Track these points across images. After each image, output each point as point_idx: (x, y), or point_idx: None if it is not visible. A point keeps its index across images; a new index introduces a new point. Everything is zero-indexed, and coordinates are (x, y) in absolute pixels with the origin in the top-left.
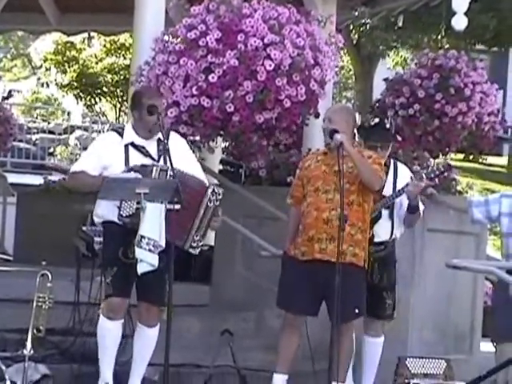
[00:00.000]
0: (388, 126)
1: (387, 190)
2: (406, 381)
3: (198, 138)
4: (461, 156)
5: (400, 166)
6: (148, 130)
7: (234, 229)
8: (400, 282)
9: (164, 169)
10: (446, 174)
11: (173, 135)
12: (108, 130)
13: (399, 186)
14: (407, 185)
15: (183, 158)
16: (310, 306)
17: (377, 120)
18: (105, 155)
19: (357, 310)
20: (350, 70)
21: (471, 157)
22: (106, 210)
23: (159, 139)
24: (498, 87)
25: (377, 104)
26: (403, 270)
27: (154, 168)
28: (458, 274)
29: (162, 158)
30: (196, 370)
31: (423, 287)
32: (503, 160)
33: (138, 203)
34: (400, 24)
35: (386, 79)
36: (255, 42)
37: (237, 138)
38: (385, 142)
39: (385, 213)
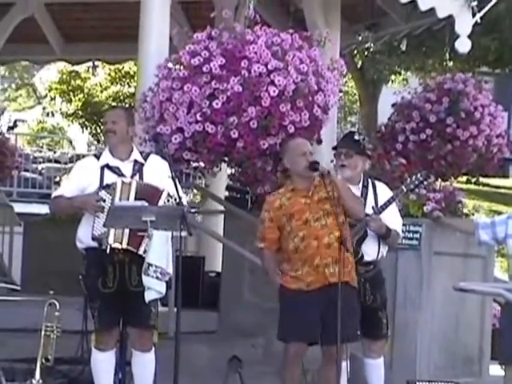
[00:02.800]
0: (356, 137)
1: (369, 209)
2: None
3: (202, 164)
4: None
5: (378, 183)
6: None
7: (241, 255)
8: (408, 306)
9: (127, 182)
10: (425, 182)
11: (152, 157)
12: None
13: (381, 203)
14: (392, 198)
15: (157, 177)
16: (315, 334)
17: (348, 131)
18: (82, 178)
19: (358, 332)
20: (355, 94)
21: (474, 180)
22: (85, 233)
23: (135, 160)
24: (503, 108)
25: (384, 129)
26: (410, 293)
27: (118, 182)
28: (465, 296)
29: (134, 177)
30: None
31: (431, 310)
32: (510, 182)
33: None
34: (403, 48)
35: (394, 104)
36: (259, 68)
37: (241, 164)
38: (350, 150)
39: (370, 232)
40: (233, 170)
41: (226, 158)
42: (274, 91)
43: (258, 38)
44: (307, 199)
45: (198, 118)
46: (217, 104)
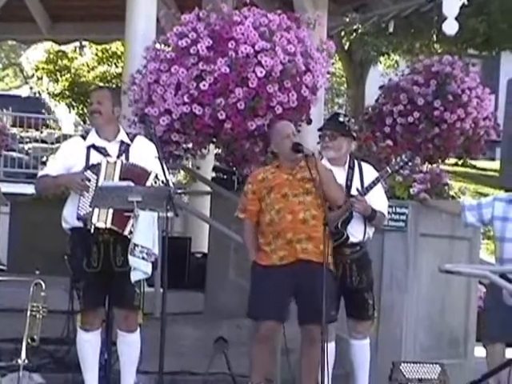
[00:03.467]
0: (341, 119)
1: (355, 190)
2: None
3: (190, 145)
4: (453, 161)
5: (364, 164)
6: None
7: (228, 236)
8: (393, 287)
9: (112, 161)
10: (410, 163)
11: (139, 138)
12: None
13: (366, 184)
14: (377, 179)
15: (144, 157)
16: (284, 312)
17: (333, 113)
18: (68, 158)
19: (333, 313)
20: (342, 76)
21: (461, 162)
22: (71, 213)
23: (121, 141)
24: (490, 91)
25: (372, 111)
26: (396, 274)
27: (103, 162)
28: (451, 278)
29: (120, 158)
30: (191, 377)
31: (417, 292)
32: (496, 164)
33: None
34: (391, 30)
35: (381, 87)
36: (246, 49)
37: (229, 146)
38: (334, 131)
39: (356, 213)
40: (220, 151)
41: (215, 140)
42: (261, 72)
43: (245, 19)
44: (290, 176)
45: (186, 100)
46: (204, 85)
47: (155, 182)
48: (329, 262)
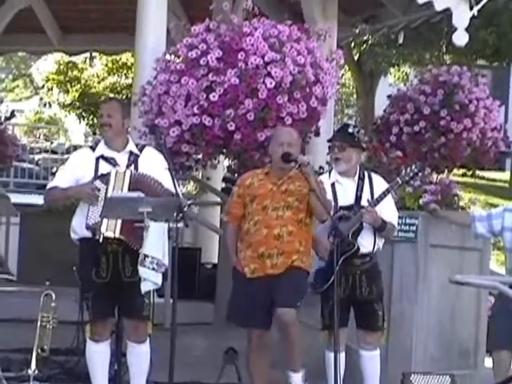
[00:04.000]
0: (351, 130)
1: (365, 201)
2: None
3: (200, 156)
4: (465, 171)
5: (374, 175)
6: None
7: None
8: (403, 298)
9: (121, 171)
10: (419, 174)
11: (147, 149)
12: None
13: (376, 195)
14: (387, 190)
15: (152, 168)
16: (262, 320)
17: (342, 124)
18: (77, 169)
19: (298, 304)
20: (352, 86)
21: (470, 173)
22: (80, 224)
23: (130, 151)
24: (500, 103)
25: (380, 121)
26: (406, 285)
27: (112, 172)
28: (461, 289)
29: (129, 168)
30: None
31: (427, 303)
32: (506, 175)
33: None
34: (401, 41)
35: (389, 96)
36: (256, 60)
37: (239, 156)
38: (343, 143)
39: (366, 224)
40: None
41: (225, 150)
42: (271, 83)
43: (255, 30)
44: (274, 186)
45: (196, 111)
46: (214, 97)
47: (163, 193)
48: (300, 265)
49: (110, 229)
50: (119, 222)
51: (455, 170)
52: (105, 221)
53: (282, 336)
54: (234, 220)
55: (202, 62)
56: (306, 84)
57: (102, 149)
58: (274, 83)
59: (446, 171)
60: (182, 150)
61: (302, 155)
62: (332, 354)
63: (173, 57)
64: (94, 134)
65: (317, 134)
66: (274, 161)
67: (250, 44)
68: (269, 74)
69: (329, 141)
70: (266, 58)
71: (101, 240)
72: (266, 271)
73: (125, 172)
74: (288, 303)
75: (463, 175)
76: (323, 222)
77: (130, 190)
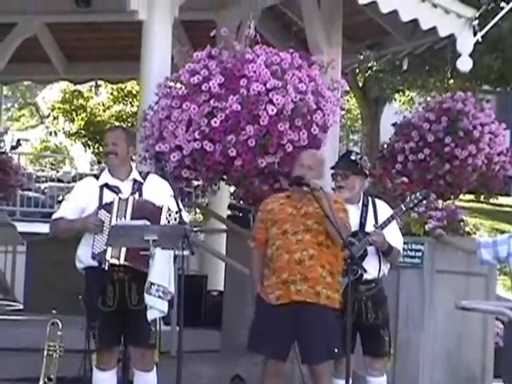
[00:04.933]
0: (353, 157)
1: (369, 227)
2: None
3: (200, 182)
4: (471, 197)
5: (378, 202)
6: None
7: (244, 274)
8: (410, 324)
9: (124, 199)
10: (424, 201)
11: (151, 176)
12: None
13: (381, 221)
14: (391, 216)
15: (157, 195)
16: (285, 350)
17: (345, 151)
18: (81, 199)
19: (330, 351)
20: (357, 112)
21: (482, 197)
22: (85, 253)
23: (134, 179)
24: (505, 127)
25: (385, 148)
26: (412, 311)
27: (115, 199)
28: (467, 314)
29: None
30: None
31: (433, 328)
32: None
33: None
34: (405, 67)
35: (394, 124)
36: (257, 86)
37: (239, 183)
38: (346, 171)
39: (371, 249)
40: (234, 189)
41: (225, 176)
42: (273, 110)
43: (257, 57)
44: (294, 210)
45: (197, 136)
46: (215, 122)
47: (169, 215)
48: (327, 304)
49: (115, 256)
50: (124, 248)
51: (462, 196)
52: (109, 248)
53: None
54: (259, 246)
55: (203, 87)
56: (308, 112)
57: (105, 177)
58: (275, 110)
59: (452, 198)
60: (183, 176)
61: (317, 180)
62: (339, 382)
63: (175, 82)
64: (99, 162)
65: None
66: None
67: (252, 71)
68: (270, 101)
69: (332, 168)
70: (267, 85)
71: (107, 268)
72: (291, 297)
73: (127, 199)
74: (320, 359)
75: (470, 200)
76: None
77: (133, 217)
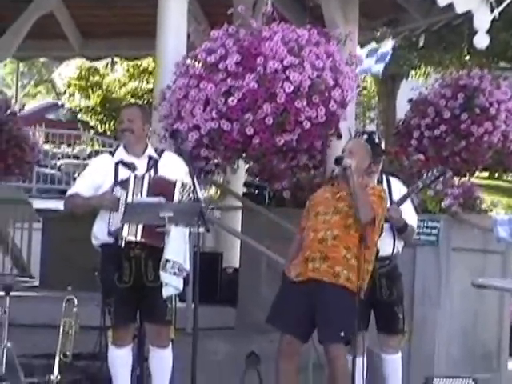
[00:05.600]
0: (377, 140)
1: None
2: None
3: (219, 160)
4: (485, 174)
5: (392, 179)
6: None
7: (259, 251)
8: (426, 301)
9: (139, 175)
10: (441, 178)
11: (167, 154)
12: None
13: (395, 199)
14: (408, 193)
15: (172, 172)
16: (302, 329)
17: (366, 136)
18: (97, 176)
19: (342, 334)
20: (373, 89)
21: (496, 175)
22: (101, 230)
23: (149, 156)
24: None
25: (401, 125)
26: (429, 289)
27: (131, 176)
28: (483, 292)
29: (148, 172)
30: None
31: (449, 306)
32: None
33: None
34: (422, 44)
35: (410, 100)
36: (274, 64)
37: (258, 161)
38: (376, 157)
39: (386, 226)
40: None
41: (244, 155)
42: (289, 87)
43: (274, 35)
44: (331, 194)
45: (214, 116)
46: (232, 101)
47: (183, 190)
48: (347, 285)
49: (132, 233)
50: (140, 226)
51: (479, 173)
52: (126, 225)
53: (328, 367)
54: (299, 232)
55: (220, 66)
56: (325, 88)
57: (121, 154)
58: (292, 88)
59: (468, 175)
60: (201, 155)
61: (357, 164)
62: (351, 358)
63: (192, 61)
64: (116, 139)
65: (339, 136)
66: None
67: (269, 48)
68: (287, 79)
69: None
70: (284, 63)
71: (123, 245)
72: (308, 274)
73: (143, 176)
74: (331, 339)
75: (487, 178)
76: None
77: (148, 193)
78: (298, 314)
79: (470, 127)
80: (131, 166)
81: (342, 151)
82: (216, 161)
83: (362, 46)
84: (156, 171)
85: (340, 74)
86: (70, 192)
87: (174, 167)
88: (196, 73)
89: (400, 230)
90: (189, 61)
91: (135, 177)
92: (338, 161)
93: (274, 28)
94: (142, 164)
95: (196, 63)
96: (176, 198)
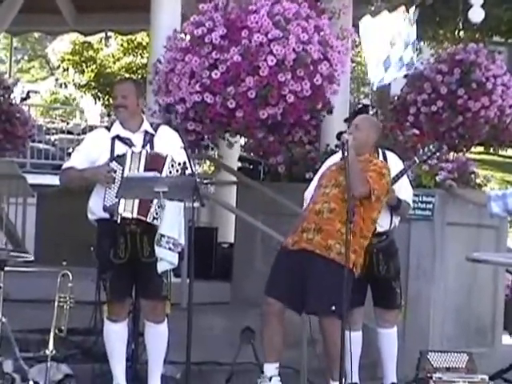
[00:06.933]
0: (371, 112)
1: None
2: (429, 375)
3: (205, 134)
4: (480, 149)
5: (388, 153)
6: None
7: (254, 226)
8: (420, 277)
9: (137, 152)
10: (437, 154)
11: (162, 128)
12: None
13: (392, 173)
14: (404, 169)
15: (168, 147)
16: (291, 297)
17: (360, 106)
18: (92, 150)
19: (333, 308)
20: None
21: (491, 149)
22: (97, 204)
23: (146, 131)
24: None
25: (397, 100)
26: (423, 264)
27: (128, 152)
28: (478, 267)
29: (145, 148)
30: (218, 367)
31: (444, 281)
32: None
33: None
34: (415, 18)
35: (406, 75)
36: (259, 37)
37: (242, 134)
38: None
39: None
40: (245, 141)
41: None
42: (273, 61)
43: (261, 8)
44: (337, 168)
45: (198, 89)
46: (216, 74)
47: (172, 166)
48: (336, 259)
49: (128, 209)
50: (136, 202)
51: (473, 148)
52: (122, 201)
53: (323, 341)
54: (306, 208)
55: (206, 39)
56: (311, 62)
57: (117, 129)
58: (275, 61)
59: (464, 150)
60: (189, 128)
61: (364, 140)
62: (347, 333)
63: (180, 34)
64: (109, 115)
65: (329, 111)
66: None
67: (255, 22)
68: (271, 52)
69: (345, 120)
70: (269, 36)
71: (119, 221)
72: (301, 245)
73: (140, 152)
74: (324, 311)
75: (481, 153)
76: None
77: (145, 169)
78: (288, 282)
79: (467, 102)
80: (128, 142)
81: (348, 126)
82: (206, 135)
83: (357, 19)
84: (152, 146)
85: (329, 47)
86: (65, 165)
87: (169, 142)
88: (183, 46)
89: (394, 207)
90: (180, 35)
91: (132, 153)
92: (339, 135)
93: (261, 1)
94: (138, 139)
95: (184, 36)
96: (164, 173)
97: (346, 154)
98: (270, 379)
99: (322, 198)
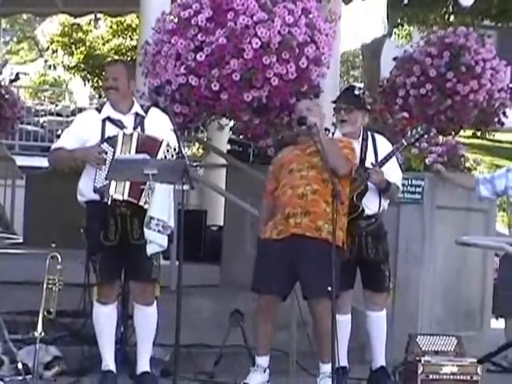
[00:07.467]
0: (357, 92)
1: (369, 163)
2: (417, 358)
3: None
4: (469, 132)
5: (377, 136)
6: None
7: (243, 209)
8: (409, 259)
9: (128, 134)
10: (425, 136)
11: (153, 110)
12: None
13: (381, 156)
14: (392, 152)
15: (159, 129)
16: (285, 287)
17: (347, 85)
18: (83, 131)
19: (329, 288)
20: (358, 48)
21: (479, 133)
22: (87, 186)
23: (136, 113)
24: (506, 63)
25: (386, 83)
26: (412, 247)
27: (119, 134)
28: (467, 250)
29: (136, 130)
30: (207, 350)
31: (433, 264)
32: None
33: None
34: (406, 1)
35: (395, 58)
36: (244, 20)
37: (227, 117)
38: (349, 105)
39: (371, 185)
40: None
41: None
42: (257, 43)
43: None
44: (300, 151)
45: (183, 71)
46: (201, 56)
47: (167, 151)
48: (329, 239)
49: (119, 191)
50: (127, 184)
51: (462, 132)
52: (113, 183)
53: (313, 324)
54: (267, 195)
55: (193, 21)
56: (297, 45)
57: (107, 110)
58: (260, 43)
59: (453, 133)
60: (175, 110)
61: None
62: (338, 317)
63: (168, 16)
64: (100, 96)
65: (316, 95)
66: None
67: (241, 4)
68: (255, 35)
69: (334, 102)
70: (254, 18)
71: (109, 202)
72: (290, 230)
73: (132, 134)
74: (316, 294)
75: (470, 136)
76: (361, 174)
77: (137, 151)
78: (280, 273)
79: (456, 86)
80: (119, 124)
81: (298, 111)
82: (194, 117)
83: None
84: (143, 128)
85: (317, 30)
86: (54, 146)
87: (160, 123)
88: (169, 28)
89: (383, 190)
90: (169, 17)
91: (123, 135)
92: (302, 120)
93: None
94: (128, 121)
95: (171, 18)
96: (159, 157)
97: (316, 136)
98: (265, 371)
99: (301, 181)
